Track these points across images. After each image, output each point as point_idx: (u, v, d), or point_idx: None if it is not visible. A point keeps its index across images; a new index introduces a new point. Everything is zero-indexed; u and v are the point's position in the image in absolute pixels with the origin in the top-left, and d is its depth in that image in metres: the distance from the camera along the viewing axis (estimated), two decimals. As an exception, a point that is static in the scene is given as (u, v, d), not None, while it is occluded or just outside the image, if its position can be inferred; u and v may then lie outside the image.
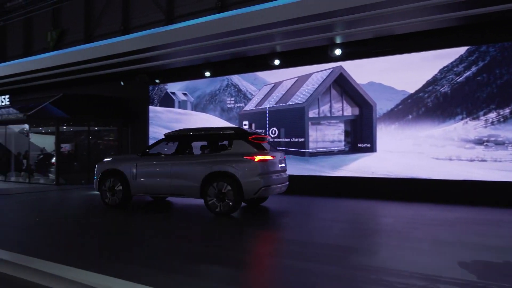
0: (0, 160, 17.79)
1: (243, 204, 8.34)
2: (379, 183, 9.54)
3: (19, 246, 5.11)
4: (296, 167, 10.55)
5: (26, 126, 16.10)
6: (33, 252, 4.67)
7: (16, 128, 16.89)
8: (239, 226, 6.68)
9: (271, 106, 11.08)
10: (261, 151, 7.30)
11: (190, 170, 7.51)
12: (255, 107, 11.39)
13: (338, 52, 9.79)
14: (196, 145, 8.14)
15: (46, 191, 11.84)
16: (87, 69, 13.09)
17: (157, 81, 12.93)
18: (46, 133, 15.95)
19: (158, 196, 9.02)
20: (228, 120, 11.85)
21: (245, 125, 11.54)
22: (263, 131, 11.16)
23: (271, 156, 7.40)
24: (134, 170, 8.05)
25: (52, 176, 14.42)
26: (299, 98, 10.65)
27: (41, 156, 15.71)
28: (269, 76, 11.23)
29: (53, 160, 14.31)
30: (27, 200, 9.79)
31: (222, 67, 11.78)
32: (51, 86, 15.22)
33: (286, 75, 10.91)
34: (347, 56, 9.90)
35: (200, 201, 7.65)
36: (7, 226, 6.80)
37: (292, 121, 10.76)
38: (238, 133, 7.53)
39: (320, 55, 10.18)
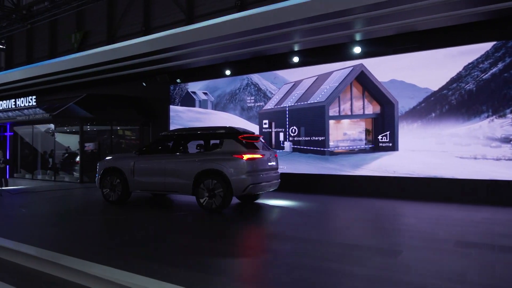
0: (28, 158, 18.39)
1: (238, 201, 8.58)
2: (401, 182, 9.37)
3: (45, 241, 5.27)
4: (316, 166, 10.49)
5: (52, 126, 16.59)
6: (58, 247, 4.80)
7: (42, 127, 17.42)
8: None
9: (291, 104, 11.04)
10: (250, 150, 7.54)
11: (183, 168, 7.77)
12: (275, 106, 11.38)
13: (358, 49, 9.69)
14: (190, 144, 8.38)
15: (70, 189, 12.18)
16: (109, 70, 13.36)
17: (178, 80, 13.08)
18: (71, 132, 16.39)
19: (156, 193, 9.20)
20: (248, 119, 11.89)
21: (265, 124, 11.55)
22: (283, 129, 11.15)
23: (260, 155, 7.64)
24: (132, 168, 8.38)
25: (76, 174, 14.82)
26: (319, 96, 10.57)
27: (66, 155, 16.16)
28: (289, 75, 11.19)
29: (77, 158, 14.69)
30: (53, 197, 10.07)
31: (242, 66, 11.81)
32: (75, 87, 15.60)
33: (306, 74, 10.84)
34: (368, 53, 9.77)
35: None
36: (33, 222, 7.02)
37: (312, 120, 10.69)
38: (228, 133, 7.79)
39: (340, 52, 10.08)
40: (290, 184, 10.97)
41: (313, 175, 10.53)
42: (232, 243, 5.38)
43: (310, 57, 10.60)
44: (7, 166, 13.79)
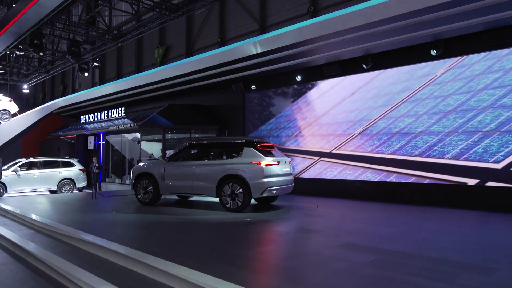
0: (117, 164, 20.13)
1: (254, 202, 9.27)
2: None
3: (133, 240, 5.67)
4: None
5: (138, 135, 17.98)
6: (143, 246, 5.14)
7: (129, 136, 18.97)
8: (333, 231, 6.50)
9: (367, 110, 10.58)
10: (267, 157, 8.36)
11: (208, 173, 8.69)
12: None
13: (433, 51, 9.10)
14: (214, 152, 9.15)
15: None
16: (188, 81, 14.13)
17: (253, 87, 13.31)
18: (154, 140, 17.60)
19: (183, 195, 10.30)
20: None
21: None
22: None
23: (276, 162, 8.43)
24: (162, 173, 9.30)
25: (159, 179, 15.76)
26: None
27: (150, 161, 17.32)
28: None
29: (160, 165, 15.62)
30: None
31: (315, 72, 11.70)
32: (158, 98, 16.77)
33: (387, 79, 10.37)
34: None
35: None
36: (122, 222, 7.62)
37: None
38: (248, 142, 8.66)
39: (419, 54, 9.50)
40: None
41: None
42: (307, 251, 5.29)
43: (385, 60, 10.14)
44: (100, 172, 15.23)
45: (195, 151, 9.41)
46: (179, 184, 9.13)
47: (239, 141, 8.82)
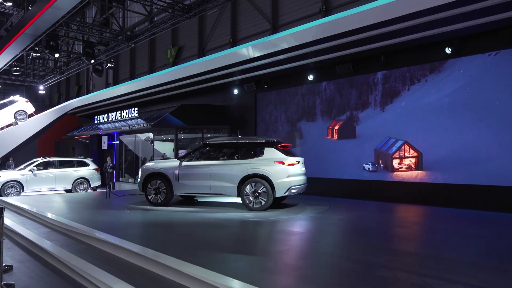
0: (130, 164, 20.34)
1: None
2: None
3: (146, 239, 5.73)
4: None
5: (150, 135, 18.13)
6: (157, 245, 5.19)
7: (142, 136, 19.15)
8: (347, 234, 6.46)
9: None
10: (289, 156, 8.56)
11: (229, 173, 8.66)
12: None
13: (448, 49, 8.95)
14: (231, 152, 9.11)
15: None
16: (200, 81, 14.20)
17: (265, 87, 13.27)
18: (166, 140, 17.73)
19: (189, 195, 9.96)
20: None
21: None
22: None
23: (297, 161, 8.62)
24: (177, 173, 9.11)
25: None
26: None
27: (162, 161, 17.43)
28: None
29: (172, 164, 15.70)
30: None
31: (328, 71, 11.61)
32: (170, 98, 16.89)
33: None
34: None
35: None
36: (137, 221, 7.70)
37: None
38: (268, 142, 8.77)
39: (434, 52, 9.36)
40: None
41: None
42: (326, 252, 5.28)
43: (400, 60, 10.01)
44: (114, 171, 15.42)
45: (212, 151, 9.34)
46: (196, 184, 9.01)
47: (259, 141, 8.89)
